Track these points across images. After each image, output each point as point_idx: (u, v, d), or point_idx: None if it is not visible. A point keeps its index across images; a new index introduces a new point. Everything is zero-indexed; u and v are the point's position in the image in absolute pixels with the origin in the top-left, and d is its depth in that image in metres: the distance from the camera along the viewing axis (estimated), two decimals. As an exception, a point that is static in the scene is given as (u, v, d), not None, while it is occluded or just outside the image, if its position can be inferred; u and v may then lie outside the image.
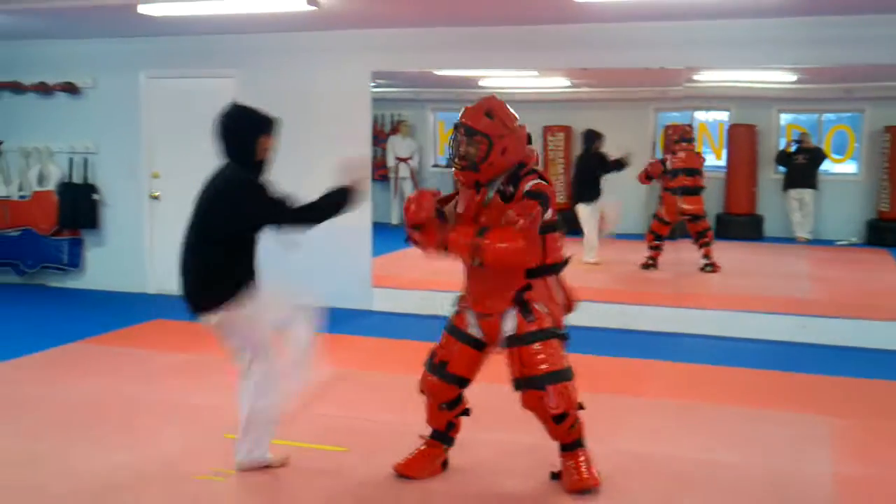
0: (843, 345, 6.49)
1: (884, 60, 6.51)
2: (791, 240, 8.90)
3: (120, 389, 5.28)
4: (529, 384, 3.62)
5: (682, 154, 8.23)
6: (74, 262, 8.68)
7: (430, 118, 9.84)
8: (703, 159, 8.50)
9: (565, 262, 3.76)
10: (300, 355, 3.89)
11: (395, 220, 9.31)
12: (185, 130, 8.13)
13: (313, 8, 6.24)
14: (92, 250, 8.72)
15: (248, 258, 3.78)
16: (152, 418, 4.73)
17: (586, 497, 3.69)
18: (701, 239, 8.22)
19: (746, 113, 9.14)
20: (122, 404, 5.00)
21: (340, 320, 7.22)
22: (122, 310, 7.79)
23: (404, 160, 9.73)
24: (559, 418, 3.62)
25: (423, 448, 3.98)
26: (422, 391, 3.93)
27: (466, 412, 3.97)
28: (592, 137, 8.48)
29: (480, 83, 8.45)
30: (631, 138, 8.67)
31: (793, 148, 8.92)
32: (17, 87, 8.66)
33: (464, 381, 3.86)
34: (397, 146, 9.79)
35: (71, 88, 8.49)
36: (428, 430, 3.99)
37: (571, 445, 3.74)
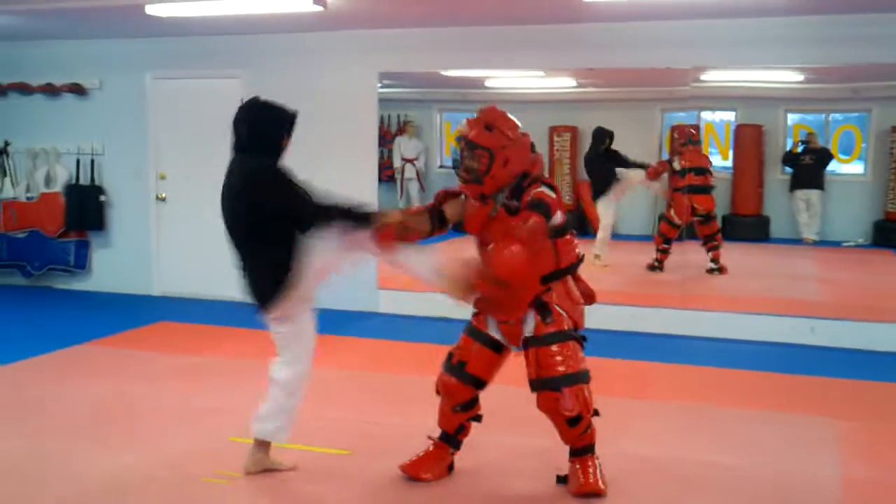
0: (850, 347, 6.47)
1: (891, 60, 6.49)
2: (797, 241, 8.85)
3: (125, 392, 5.29)
4: (545, 385, 3.60)
5: (689, 154, 8.21)
6: (81, 263, 8.69)
7: (437, 119, 9.81)
8: (710, 161, 8.47)
9: (580, 261, 3.77)
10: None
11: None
12: (192, 131, 8.16)
13: (320, 8, 6.24)
14: (98, 252, 8.74)
15: (297, 253, 3.73)
16: (158, 420, 4.73)
17: (591, 501, 3.67)
18: (710, 242, 8.18)
19: (753, 113, 9.08)
20: (128, 406, 5.00)
21: (346, 322, 7.24)
22: (128, 312, 7.80)
23: (410, 161, 9.70)
24: (573, 421, 3.61)
25: (430, 449, 3.98)
26: (437, 392, 3.92)
27: (478, 418, 3.96)
28: (603, 136, 8.46)
29: (487, 83, 8.45)
30: (637, 139, 8.65)
31: (799, 148, 8.87)
32: (24, 89, 8.69)
33: (481, 383, 3.86)
34: (403, 147, 9.76)
35: (78, 89, 8.51)
36: (437, 432, 3.98)
37: (581, 451, 3.73)
